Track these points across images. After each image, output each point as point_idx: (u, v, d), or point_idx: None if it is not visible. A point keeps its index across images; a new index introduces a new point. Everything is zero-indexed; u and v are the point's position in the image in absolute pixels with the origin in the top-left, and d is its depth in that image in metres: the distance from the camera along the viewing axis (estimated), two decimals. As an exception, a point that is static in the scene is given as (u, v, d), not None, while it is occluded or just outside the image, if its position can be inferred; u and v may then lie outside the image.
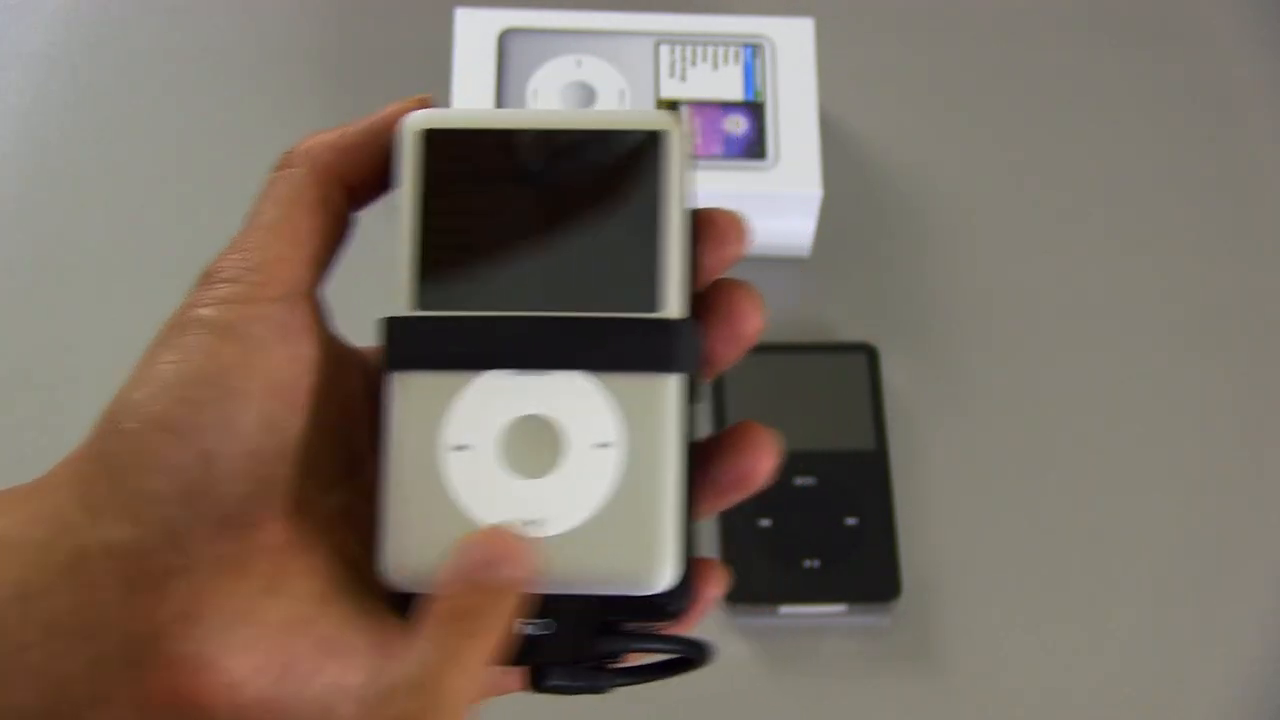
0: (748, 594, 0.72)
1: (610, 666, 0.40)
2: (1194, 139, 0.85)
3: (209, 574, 0.36)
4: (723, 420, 0.75)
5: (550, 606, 0.38)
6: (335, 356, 0.40)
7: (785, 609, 0.72)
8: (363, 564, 0.39)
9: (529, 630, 0.38)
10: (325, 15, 0.87)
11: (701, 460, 0.41)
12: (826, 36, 0.83)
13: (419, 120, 0.40)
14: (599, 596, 0.38)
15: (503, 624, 0.37)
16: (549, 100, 0.80)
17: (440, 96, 0.80)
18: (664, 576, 0.38)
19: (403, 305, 0.39)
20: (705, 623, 0.72)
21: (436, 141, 0.40)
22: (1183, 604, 0.73)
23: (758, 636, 0.72)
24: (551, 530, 0.38)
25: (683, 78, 0.80)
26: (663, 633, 0.40)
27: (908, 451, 0.76)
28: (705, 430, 0.77)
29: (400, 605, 0.39)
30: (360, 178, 0.41)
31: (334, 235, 0.40)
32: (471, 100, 0.79)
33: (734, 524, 0.73)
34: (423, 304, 0.39)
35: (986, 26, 0.88)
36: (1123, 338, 0.80)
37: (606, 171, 0.40)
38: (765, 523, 0.73)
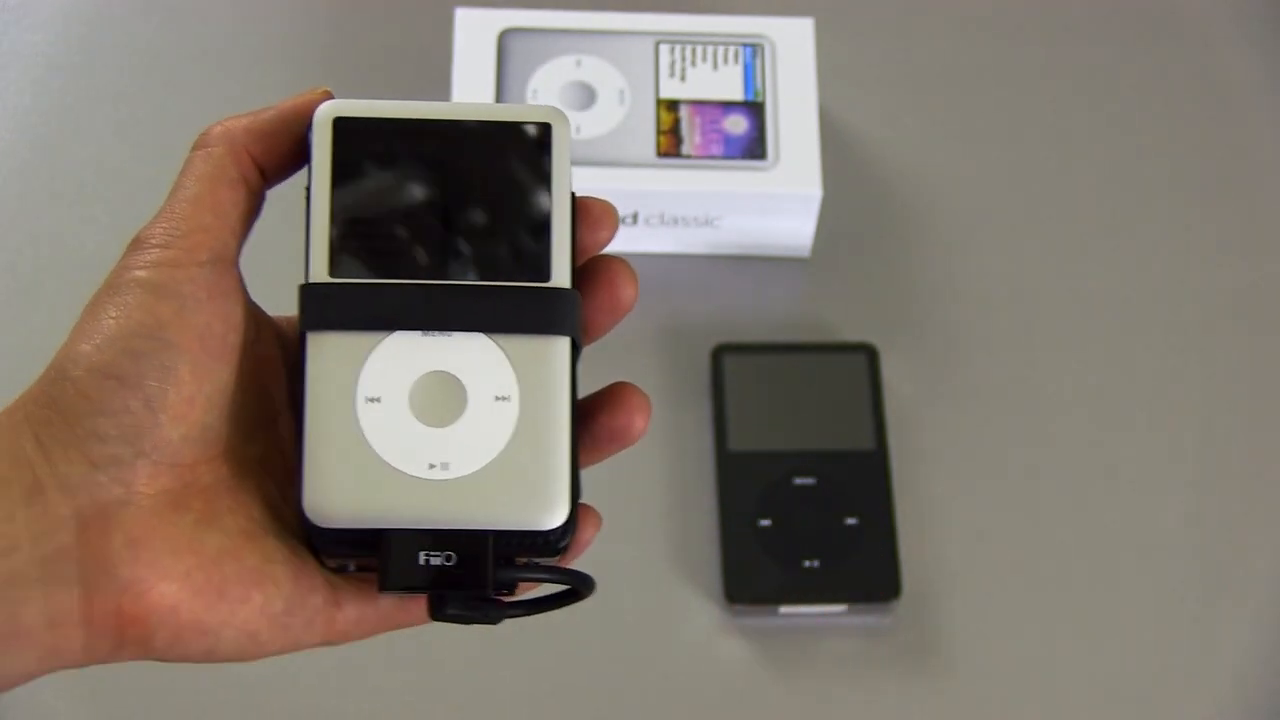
0: (748, 594, 0.72)
1: (503, 599, 0.43)
2: (1194, 138, 0.85)
3: (151, 507, 0.40)
4: (724, 421, 0.75)
5: (452, 541, 0.42)
6: (254, 319, 0.44)
7: (785, 609, 0.72)
8: (281, 507, 0.44)
9: (434, 561, 0.42)
10: (325, 15, 0.87)
11: (583, 417, 0.45)
12: (826, 36, 0.83)
13: (331, 109, 0.45)
14: (496, 532, 0.42)
15: None
16: (549, 99, 0.80)
17: (440, 96, 0.80)
18: (557, 515, 0.42)
19: (318, 273, 0.43)
20: (704, 621, 0.72)
21: (347, 128, 0.44)
22: (1183, 603, 0.73)
23: (758, 636, 0.72)
24: (456, 473, 0.42)
25: (682, 78, 0.80)
26: (549, 565, 0.44)
27: (908, 451, 0.76)
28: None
29: (314, 545, 0.43)
30: (271, 159, 0.44)
31: (250, 209, 0.44)
32: (471, 100, 0.79)
33: (734, 524, 0.73)
34: (337, 272, 0.43)
35: (986, 26, 0.88)
36: (1123, 337, 0.80)
37: (500, 158, 0.44)
38: (765, 523, 0.73)
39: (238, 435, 0.43)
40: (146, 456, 0.40)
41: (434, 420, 0.43)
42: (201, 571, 0.41)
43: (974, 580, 0.74)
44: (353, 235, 0.43)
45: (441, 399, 0.43)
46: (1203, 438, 0.77)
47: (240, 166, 0.44)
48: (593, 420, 0.45)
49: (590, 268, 0.45)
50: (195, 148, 0.44)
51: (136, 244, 0.43)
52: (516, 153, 0.44)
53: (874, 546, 0.73)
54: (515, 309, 0.43)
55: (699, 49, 0.81)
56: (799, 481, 0.74)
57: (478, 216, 0.44)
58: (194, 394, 0.41)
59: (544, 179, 0.44)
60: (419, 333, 0.43)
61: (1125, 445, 0.77)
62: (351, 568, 0.44)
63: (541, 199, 0.44)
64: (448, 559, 0.42)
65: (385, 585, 0.42)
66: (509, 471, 0.42)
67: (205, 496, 0.42)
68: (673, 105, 0.80)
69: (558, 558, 0.44)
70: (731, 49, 0.81)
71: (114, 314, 0.41)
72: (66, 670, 0.40)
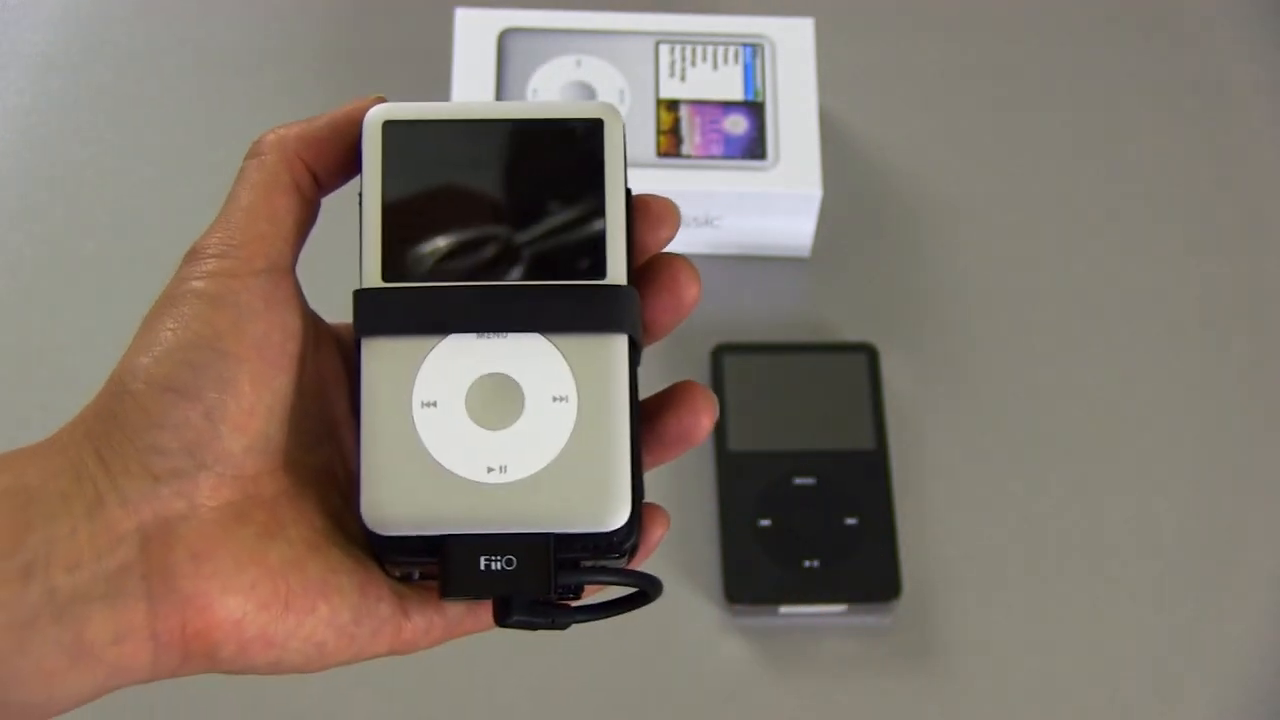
0: (748, 594, 0.72)
1: (569, 604, 0.43)
2: (1194, 138, 0.85)
3: (214, 520, 0.40)
4: (724, 421, 0.75)
5: (513, 545, 0.41)
6: (313, 328, 0.44)
7: (785, 609, 0.72)
8: (345, 517, 0.43)
9: (495, 566, 0.41)
10: (325, 15, 0.87)
11: (648, 418, 0.44)
12: (826, 36, 0.83)
13: (380, 113, 0.44)
14: (558, 535, 0.41)
15: None
16: (549, 99, 0.80)
17: (440, 96, 0.80)
18: (619, 514, 0.42)
19: (372, 278, 0.43)
20: (704, 621, 0.72)
21: (397, 131, 0.44)
22: (1183, 604, 0.73)
23: (758, 636, 0.72)
24: (515, 475, 0.42)
25: (683, 78, 0.80)
26: (614, 566, 0.43)
27: (908, 451, 0.76)
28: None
29: (377, 553, 0.42)
30: (324, 166, 0.44)
31: (305, 217, 0.44)
32: (471, 99, 0.79)
33: (734, 524, 0.73)
34: (390, 277, 0.43)
35: (986, 26, 0.88)
36: (1122, 337, 0.80)
37: (552, 156, 0.44)
38: (765, 523, 0.73)
39: (299, 445, 0.43)
40: (208, 468, 0.40)
41: (491, 423, 0.42)
42: (266, 583, 0.40)
43: (974, 580, 0.74)
44: (405, 239, 0.43)
45: (498, 401, 0.42)
46: (1203, 437, 0.77)
47: (293, 173, 0.43)
48: (658, 420, 0.44)
49: (651, 267, 0.44)
50: (248, 156, 0.44)
51: (192, 255, 0.42)
52: (568, 150, 0.44)
53: (874, 546, 0.73)
54: (570, 308, 0.42)
55: (699, 49, 0.81)
56: (799, 481, 0.74)
57: (530, 216, 0.43)
58: (254, 404, 0.41)
59: (597, 176, 0.43)
60: (474, 335, 0.42)
61: (1125, 445, 0.77)
62: (417, 576, 0.43)
63: (595, 196, 0.43)
64: (508, 563, 0.41)
65: (446, 592, 0.41)
66: (568, 472, 0.42)
67: (268, 508, 0.41)
68: (673, 105, 0.80)
69: (625, 559, 0.43)
70: (731, 49, 0.81)
71: (171, 326, 0.41)
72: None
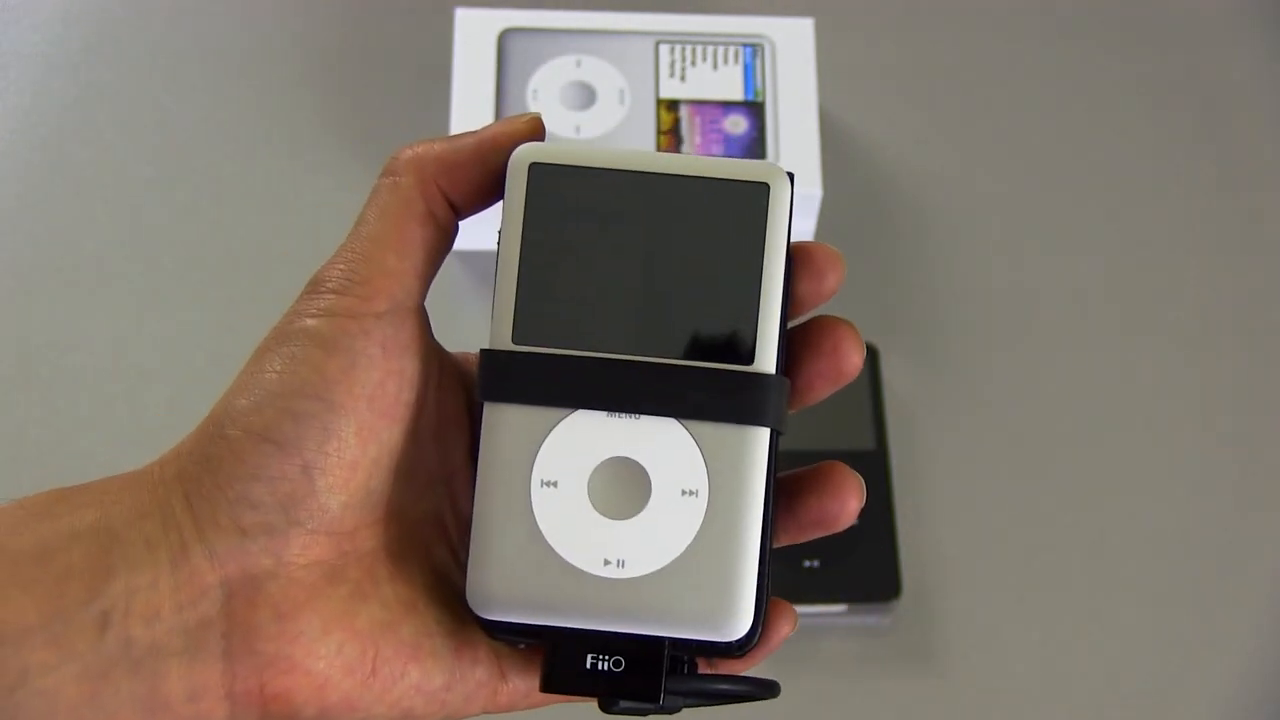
0: (748, 594, 0.72)
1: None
2: (1193, 139, 0.85)
3: (302, 579, 0.38)
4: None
5: (624, 646, 0.39)
6: (436, 367, 0.41)
7: (785, 609, 0.72)
8: (450, 570, 0.41)
9: (601, 666, 0.39)
10: (325, 15, 0.87)
11: (787, 494, 0.42)
12: (826, 36, 0.83)
13: (527, 153, 0.40)
14: (672, 639, 0.39)
15: None
16: (549, 99, 0.80)
17: (440, 96, 0.80)
18: (739, 625, 0.39)
19: (501, 339, 0.40)
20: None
21: (544, 176, 0.40)
22: (1183, 604, 0.73)
23: (758, 636, 0.72)
24: (632, 572, 0.39)
25: (682, 78, 0.80)
26: (730, 674, 0.41)
27: (908, 451, 0.76)
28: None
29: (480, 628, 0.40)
30: (464, 193, 0.41)
31: (439, 247, 0.41)
32: (471, 99, 0.79)
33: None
34: (521, 338, 0.40)
35: (986, 26, 0.88)
36: (1122, 337, 0.80)
37: (710, 220, 0.40)
38: (765, 523, 0.73)
39: (407, 494, 0.40)
40: (300, 525, 0.38)
41: (613, 512, 0.39)
42: (354, 647, 0.38)
43: (974, 580, 0.74)
44: (540, 298, 0.40)
45: (623, 489, 0.40)
46: (1203, 436, 0.77)
47: (429, 200, 0.40)
48: (797, 500, 0.42)
49: (813, 330, 0.41)
50: (383, 174, 0.40)
51: (313, 285, 0.39)
52: (726, 216, 0.40)
53: (874, 546, 0.73)
54: (712, 395, 0.39)
55: (699, 49, 0.81)
56: (799, 481, 0.74)
57: (678, 286, 0.40)
58: (358, 459, 0.38)
59: (756, 249, 0.40)
60: (604, 413, 0.40)
61: (1125, 444, 0.77)
62: (522, 645, 0.41)
63: (751, 271, 0.40)
64: (616, 664, 0.39)
65: (547, 687, 0.39)
66: (690, 574, 0.39)
67: (364, 564, 0.39)
68: (673, 105, 0.80)
69: (739, 660, 0.41)
70: (731, 49, 0.81)
71: (278, 367, 0.38)
72: None
